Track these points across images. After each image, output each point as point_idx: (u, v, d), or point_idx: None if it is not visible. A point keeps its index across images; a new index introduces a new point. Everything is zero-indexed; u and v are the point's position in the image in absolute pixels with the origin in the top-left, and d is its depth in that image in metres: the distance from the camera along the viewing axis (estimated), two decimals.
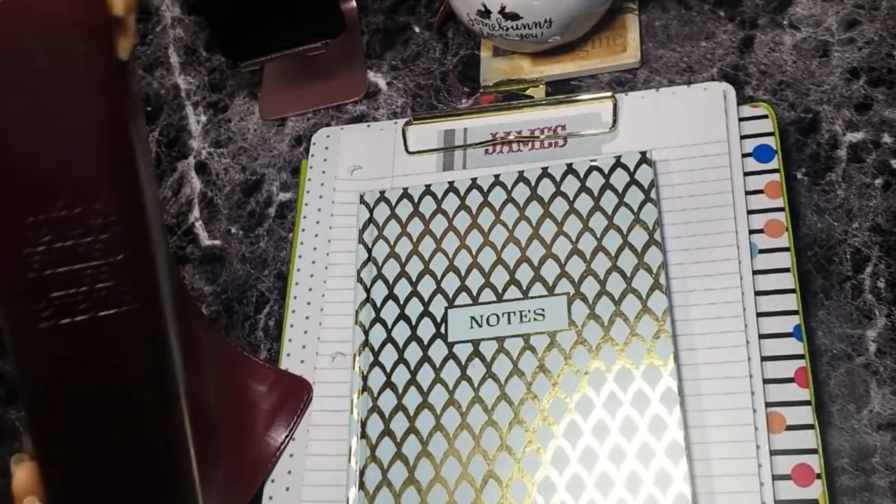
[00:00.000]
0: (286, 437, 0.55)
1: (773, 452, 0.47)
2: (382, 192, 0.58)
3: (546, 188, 0.55)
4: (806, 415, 0.48)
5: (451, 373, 0.52)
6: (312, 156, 0.63)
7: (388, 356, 0.54)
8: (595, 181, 0.54)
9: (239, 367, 0.57)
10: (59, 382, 0.37)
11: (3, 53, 0.34)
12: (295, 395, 0.55)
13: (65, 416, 0.37)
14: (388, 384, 0.53)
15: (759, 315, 0.50)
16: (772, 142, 0.54)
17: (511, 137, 0.59)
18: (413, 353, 0.53)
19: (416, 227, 0.57)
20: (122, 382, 0.37)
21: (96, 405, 0.37)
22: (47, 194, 0.35)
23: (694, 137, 0.55)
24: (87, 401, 0.37)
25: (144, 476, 0.38)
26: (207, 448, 0.53)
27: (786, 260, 0.51)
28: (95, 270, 0.36)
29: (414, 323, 0.54)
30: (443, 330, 0.53)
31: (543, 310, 0.52)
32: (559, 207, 0.54)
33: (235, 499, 0.53)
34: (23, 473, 0.39)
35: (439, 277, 0.55)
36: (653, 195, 0.53)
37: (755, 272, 0.51)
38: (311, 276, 0.59)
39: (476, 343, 0.52)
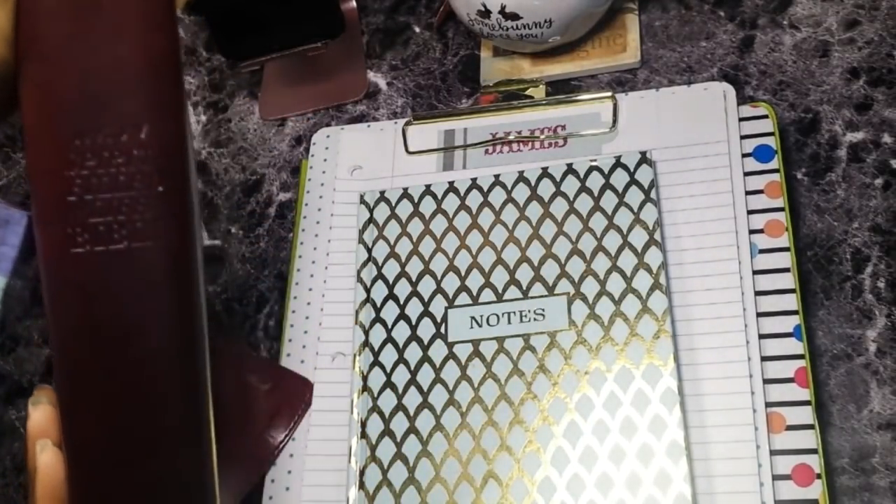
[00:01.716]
0: (285, 436, 0.55)
1: (773, 452, 0.47)
2: (382, 192, 0.58)
3: (546, 188, 0.55)
4: (806, 415, 0.48)
5: (451, 373, 0.52)
6: (312, 156, 0.63)
7: (388, 356, 0.54)
8: (595, 181, 0.54)
9: (243, 364, 0.57)
10: (86, 310, 0.36)
11: None
12: (296, 395, 0.55)
13: (89, 345, 0.37)
14: (388, 384, 0.53)
15: (759, 315, 0.50)
16: (772, 142, 0.54)
17: (511, 137, 0.59)
18: (413, 353, 0.53)
19: (416, 227, 0.57)
20: (148, 317, 0.37)
21: (121, 337, 0.37)
22: (96, 119, 0.35)
23: (694, 137, 0.55)
24: (112, 332, 0.37)
25: (160, 415, 0.38)
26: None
27: (786, 260, 0.51)
28: (134, 200, 0.36)
29: (414, 323, 0.54)
30: (443, 330, 0.53)
31: (543, 310, 0.52)
32: (559, 207, 0.54)
33: (230, 494, 0.53)
34: (39, 415, 0.38)
35: (439, 277, 0.55)
36: (653, 195, 0.53)
37: (755, 272, 0.51)
38: (311, 276, 0.59)
39: (476, 343, 0.52)
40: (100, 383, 0.37)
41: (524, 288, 0.53)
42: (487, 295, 0.53)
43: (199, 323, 0.38)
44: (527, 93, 0.62)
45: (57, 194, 0.35)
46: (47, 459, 0.38)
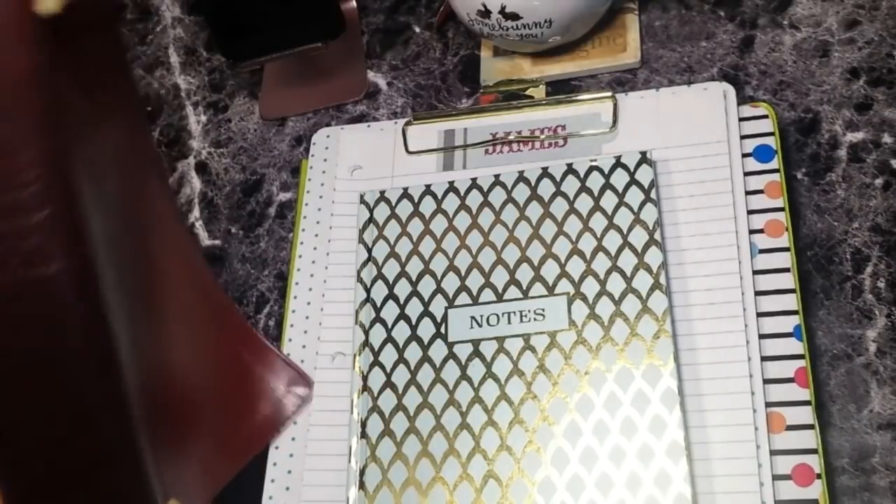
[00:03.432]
0: (280, 425, 0.55)
1: (773, 452, 0.47)
2: (382, 192, 0.58)
3: (546, 188, 0.55)
4: (806, 415, 0.48)
5: (451, 373, 0.52)
6: (312, 156, 0.63)
7: (388, 356, 0.54)
8: (595, 181, 0.54)
9: (240, 341, 0.56)
10: None
11: None
12: (296, 388, 0.55)
13: (1, 371, 0.36)
14: (388, 384, 0.53)
15: (759, 315, 0.50)
16: (772, 142, 0.54)
17: (511, 137, 0.59)
18: (413, 352, 0.53)
19: (416, 227, 0.57)
20: (55, 340, 0.37)
21: (31, 362, 0.36)
22: None
23: (694, 137, 0.55)
24: (21, 357, 0.36)
25: (84, 441, 0.38)
26: (182, 408, 0.51)
27: (786, 260, 0.51)
28: (23, 226, 0.35)
29: (414, 323, 0.54)
30: (443, 330, 0.53)
31: (543, 310, 0.52)
32: (559, 207, 0.54)
33: (217, 474, 0.53)
34: None
35: (439, 277, 0.55)
36: (653, 195, 0.53)
37: (755, 272, 0.51)
38: (311, 276, 0.59)
39: (476, 343, 0.52)
40: (20, 407, 0.37)
41: (524, 288, 0.53)
42: (487, 295, 0.53)
43: (110, 337, 0.38)
44: (527, 93, 0.62)
45: None
46: None
